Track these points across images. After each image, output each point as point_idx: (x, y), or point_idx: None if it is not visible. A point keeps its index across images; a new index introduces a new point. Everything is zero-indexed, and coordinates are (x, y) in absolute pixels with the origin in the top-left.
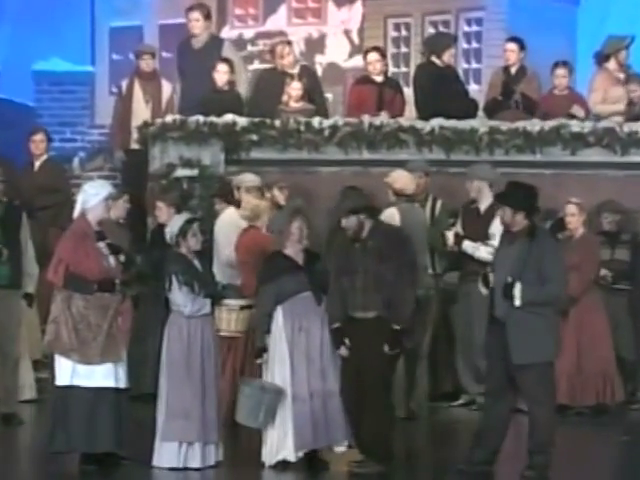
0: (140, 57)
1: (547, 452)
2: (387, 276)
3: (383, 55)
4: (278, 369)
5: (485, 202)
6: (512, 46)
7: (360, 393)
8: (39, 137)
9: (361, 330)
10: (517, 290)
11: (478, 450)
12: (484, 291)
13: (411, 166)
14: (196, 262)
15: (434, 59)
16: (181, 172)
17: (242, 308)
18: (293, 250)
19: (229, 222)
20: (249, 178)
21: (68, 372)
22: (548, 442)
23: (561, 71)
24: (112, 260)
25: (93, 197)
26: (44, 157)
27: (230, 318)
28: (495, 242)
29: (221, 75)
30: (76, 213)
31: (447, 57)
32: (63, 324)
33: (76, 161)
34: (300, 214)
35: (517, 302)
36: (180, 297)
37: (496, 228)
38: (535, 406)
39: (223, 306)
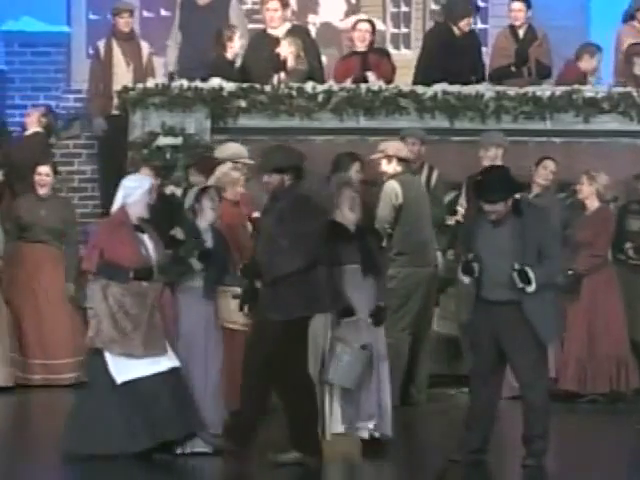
0: (119, 15)
1: (544, 438)
2: (282, 242)
3: (374, 28)
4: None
5: None
6: (518, 5)
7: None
8: None
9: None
10: (531, 274)
11: (470, 437)
12: (467, 280)
13: (405, 133)
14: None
15: (450, 24)
16: (163, 141)
17: None
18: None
19: None
20: (232, 151)
21: (123, 367)
22: (545, 428)
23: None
24: (151, 248)
25: (134, 190)
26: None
27: (228, 304)
28: None
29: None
30: (115, 207)
31: (464, 25)
32: (103, 315)
33: None
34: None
35: (533, 287)
36: None
37: None
38: (529, 390)
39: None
